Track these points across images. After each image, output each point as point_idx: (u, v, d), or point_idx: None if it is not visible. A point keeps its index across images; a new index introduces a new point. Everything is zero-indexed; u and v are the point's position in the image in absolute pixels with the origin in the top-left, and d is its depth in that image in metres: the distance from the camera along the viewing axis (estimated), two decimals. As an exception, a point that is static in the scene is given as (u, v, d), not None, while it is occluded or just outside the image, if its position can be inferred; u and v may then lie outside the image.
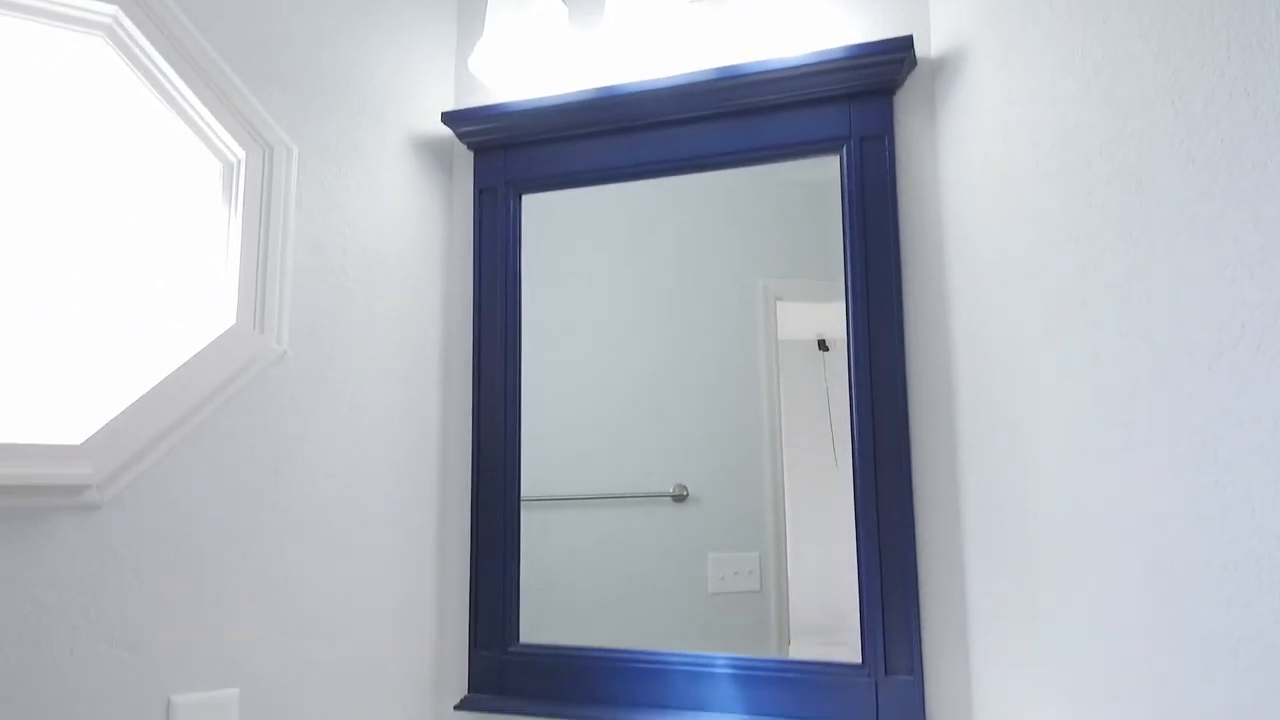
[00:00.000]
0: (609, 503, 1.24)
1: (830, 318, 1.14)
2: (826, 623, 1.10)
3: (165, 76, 1.09)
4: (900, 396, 1.07)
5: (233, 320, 1.12)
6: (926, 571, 1.05)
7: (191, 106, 1.10)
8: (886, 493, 1.06)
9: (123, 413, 1.04)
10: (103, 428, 1.02)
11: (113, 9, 1.04)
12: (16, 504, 0.96)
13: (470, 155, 1.33)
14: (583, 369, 1.26)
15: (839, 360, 1.13)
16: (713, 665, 1.11)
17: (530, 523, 1.24)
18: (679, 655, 1.13)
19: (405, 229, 1.30)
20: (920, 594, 1.04)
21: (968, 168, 1.03)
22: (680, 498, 1.22)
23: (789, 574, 1.14)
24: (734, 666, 1.10)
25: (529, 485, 1.25)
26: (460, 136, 1.29)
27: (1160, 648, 0.73)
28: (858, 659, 1.06)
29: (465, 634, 1.23)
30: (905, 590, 1.04)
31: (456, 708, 1.20)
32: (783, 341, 1.18)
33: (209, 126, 1.12)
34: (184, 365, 1.08)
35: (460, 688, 1.22)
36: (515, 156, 1.28)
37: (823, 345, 1.16)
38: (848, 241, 1.11)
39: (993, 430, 1.01)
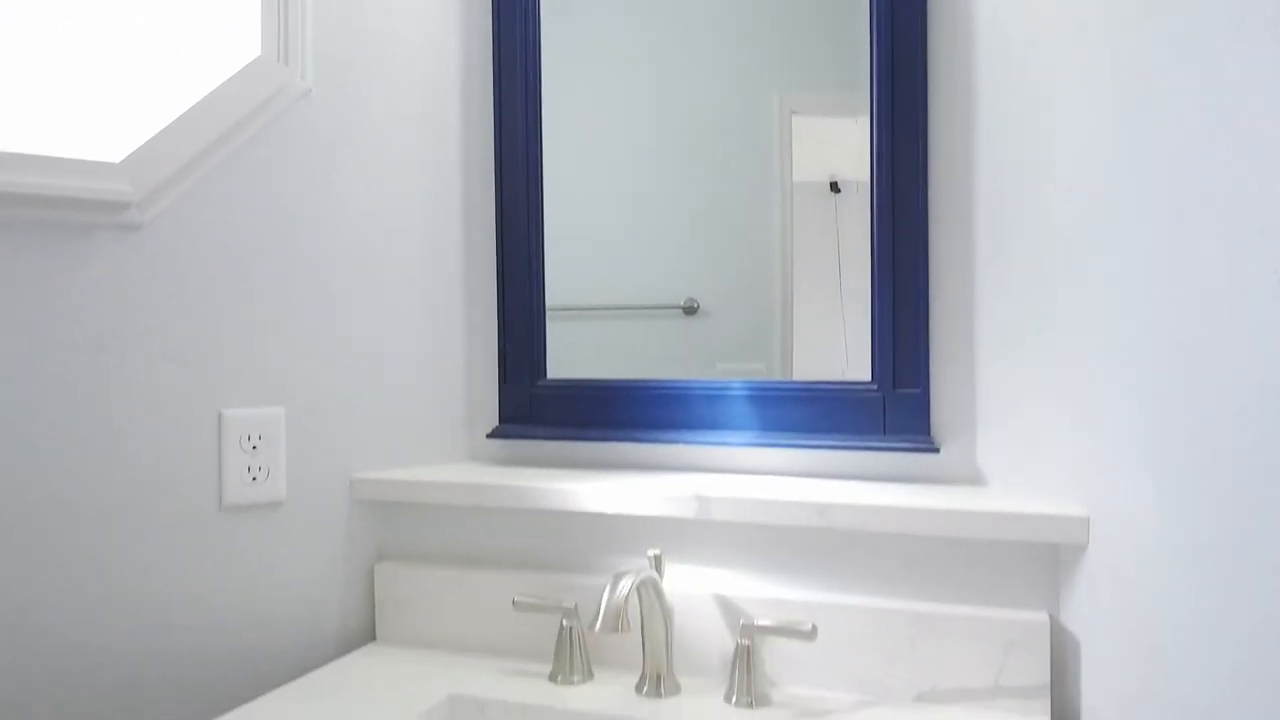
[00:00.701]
0: (620, 314, 1.27)
1: (846, 153, 1.14)
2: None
3: None
4: (920, 96, 1.07)
5: (258, 52, 1.13)
6: (937, 289, 1.08)
7: None
8: (902, 210, 1.08)
9: (158, 134, 1.07)
10: (140, 147, 1.05)
11: None
12: (61, 218, 1.01)
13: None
14: (596, 180, 1.27)
15: (850, 201, 1.14)
16: (729, 389, 1.17)
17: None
18: (697, 382, 1.19)
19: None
20: (930, 313, 1.08)
21: None
22: (691, 310, 1.24)
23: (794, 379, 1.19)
24: (749, 389, 1.16)
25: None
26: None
27: (1169, 340, 0.77)
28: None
29: (494, 371, 1.29)
30: (916, 308, 1.08)
31: (489, 436, 1.27)
32: (796, 184, 1.19)
33: None
34: (213, 93, 1.10)
35: (491, 419, 1.29)
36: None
37: (834, 187, 1.17)
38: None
39: (1008, 140, 1.02)
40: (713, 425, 1.18)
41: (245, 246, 1.12)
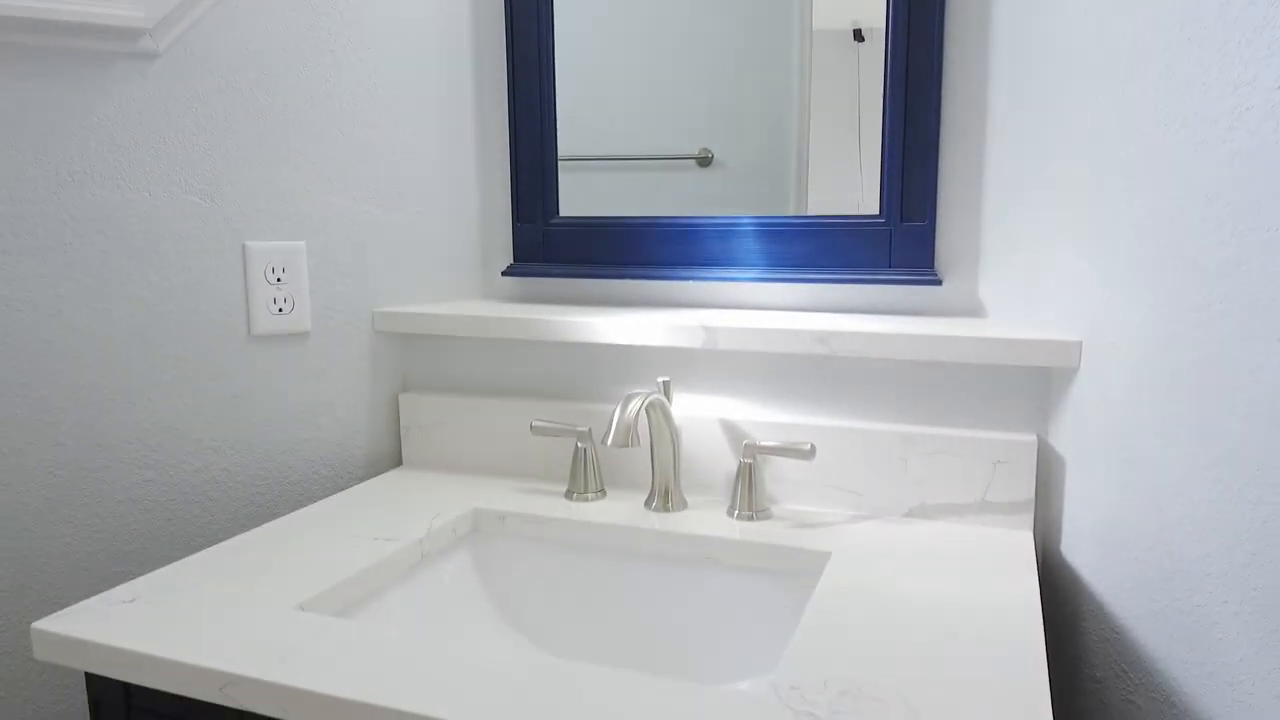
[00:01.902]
0: (633, 165, 1.26)
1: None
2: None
3: None
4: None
5: (259, -128, 1.10)
6: (948, 125, 1.08)
7: None
8: (918, 46, 1.06)
9: (163, -40, 1.05)
10: (146, -26, 1.05)
11: None
12: (77, 44, 1.01)
13: None
14: (611, 26, 1.24)
15: (874, 50, 1.10)
16: (739, 225, 1.19)
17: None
18: (707, 219, 1.20)
19: None
20: (940, 148, 1.08)
21: None
22: (705, 161, 1.23)
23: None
24: (759, 224, 1.18)
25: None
26: None
27: (1173, 158, 0.77)
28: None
29: (508, 211, 1.31)
30: (926, 143, 1.08)
31: (504, 274, 1.31)
32: (817, 31, 1.14)
33: None
34: (216, -83, 1.08)
35: (505, 259, 1.32)
36: None
37: (858, 35, 1.12)
38: None
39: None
40: (722, 262, 1.20)
41: (262, 78, 1.12)
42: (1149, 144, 0.79)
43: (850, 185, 1.15)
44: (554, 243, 1.29)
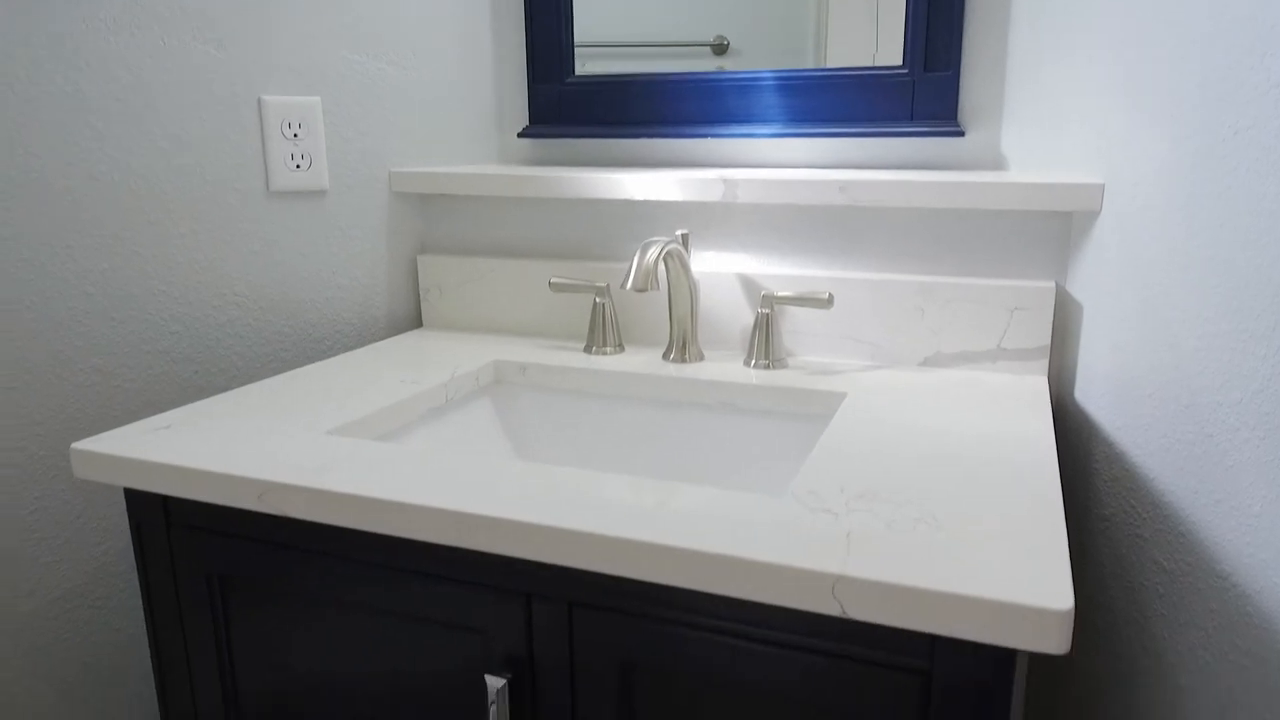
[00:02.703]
0: (647, 52, 1.23)
1: None
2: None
3: None
4: None
5: None
6: (978, -33, 1.05)
7: None
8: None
9: None
10: None
11: None
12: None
13: None
14: None
15: None
16: (759, 79, 1.17)
17: None
18: (728, 74, 1.18)
19: None
20: (968, -6, 1.06)
21: None
22: (720, 49, 1.20)
23: None
24: (779, 78, 1.16)
25: None
26: None
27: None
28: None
29: (523, 73, 1.29)
30: (954, -13, 1.05)
31: (520, 135, 1.29)
32: None
33: None
34: None
35: (522, 120, 1.31)
36: None
37: None
38: None
39: None
40: (741, 118, 1.19)
41: (268, -76, 1.10)
42: (1186, -35, 0.76)
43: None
44: (570, 103, 1.28)
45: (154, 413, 1.11)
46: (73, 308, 1.04)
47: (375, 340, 1.26)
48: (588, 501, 0.66)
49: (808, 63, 1.16)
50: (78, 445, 0.79)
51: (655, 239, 0.96)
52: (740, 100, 1.18)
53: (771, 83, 1.16)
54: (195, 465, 0.73)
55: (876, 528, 0.62)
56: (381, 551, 0.72)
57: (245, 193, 1.14)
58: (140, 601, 1.10)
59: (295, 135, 1.16)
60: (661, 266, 1.08)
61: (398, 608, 0.72)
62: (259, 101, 1.13)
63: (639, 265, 0.93)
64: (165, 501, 0.80)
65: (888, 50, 1.11)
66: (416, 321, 1.31)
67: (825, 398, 0.95)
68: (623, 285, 0.94)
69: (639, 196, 1.10)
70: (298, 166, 1.17)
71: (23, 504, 1.00)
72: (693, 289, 1.06)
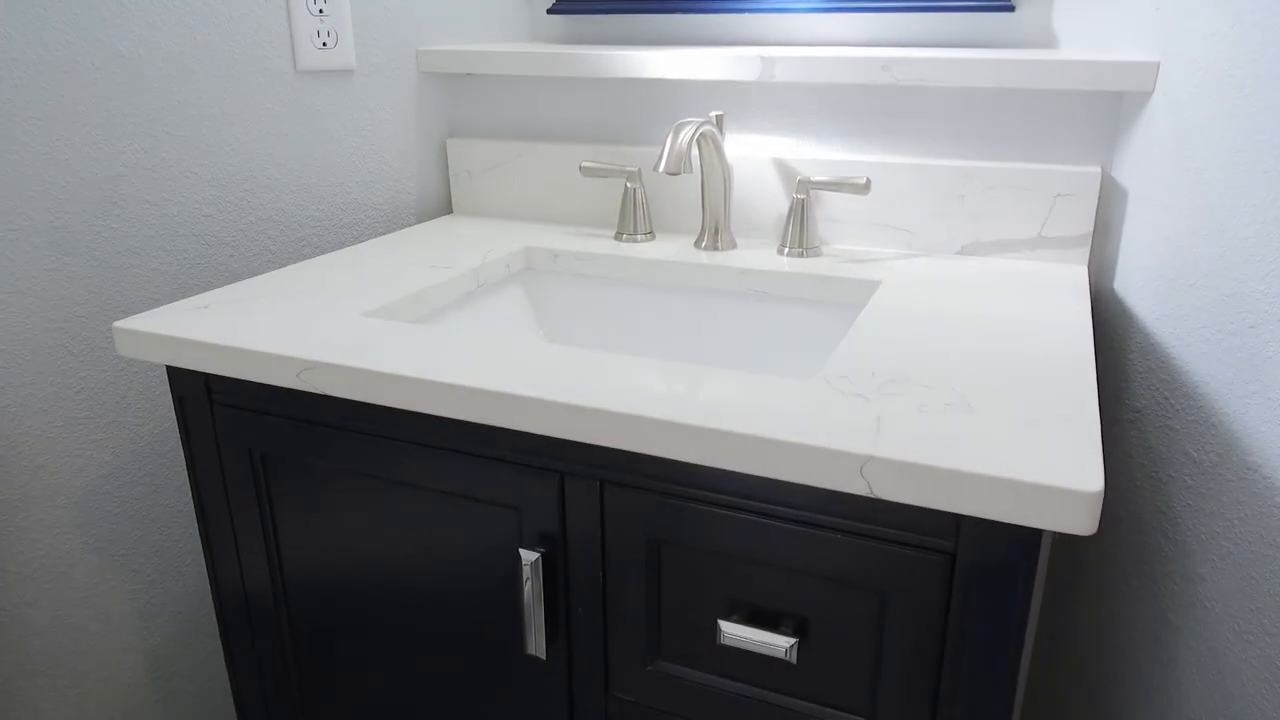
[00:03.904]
0: None
1: None
2: None
3: None
4: None
5: None
6: None
7: None
8: None
9: None
10: None
11: None
12: None
13: None
14: None
15: None
16: (800, -48, 1.11)
17: None
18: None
19: None
20: None
21: None
22: None
23: None
24: (821, -47, 1.10)
25: None
26: None
27: None
28: None
29: (553, -55, 1.24)
30: None
31: (549, 11, 1.25)
32: None
33: None
34: None
35: (551, -3, 1.27)
36: None
37: None
38: None
39: None
40: (782, -7, 1.14)
41: None
42: None
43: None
44: (602, -22, 1.23)
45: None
46: (107, 190, 1.04)
47: (406, 224, 1.26)
48: (620, 383, 0.66)
49: None
50: (120, 324, 0.80)
51: (689, 120, 0.94)
52: (780, -26, 1.13)
53: (816, -42, 1.11)
54: (235, 344, 0.75)
55: (907, 410, 0.62)
56: (418, 429, 0.73)
57: (273, 72, 1.12)
58: (187, 478, 1.14)
59: (321, 10, 1.13)
60: (695, 149, 1.06)
61: (435, 484, 0.75)
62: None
63: (671, 147, 0.91)
64: (207, 379, 0.82)
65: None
66: (447, 206, 1.30)
67: (859, 286, 0.94)
68: (655, 168, 0.92)
69: (672, 75, 1.07)
70: (324, 44, 1.14)
71: (68, 384, 1.03)
72: (726, 173, 1.04)
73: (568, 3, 1.26)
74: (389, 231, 1.25)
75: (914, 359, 0.71)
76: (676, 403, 0.63)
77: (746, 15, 1.16)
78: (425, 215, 1.28)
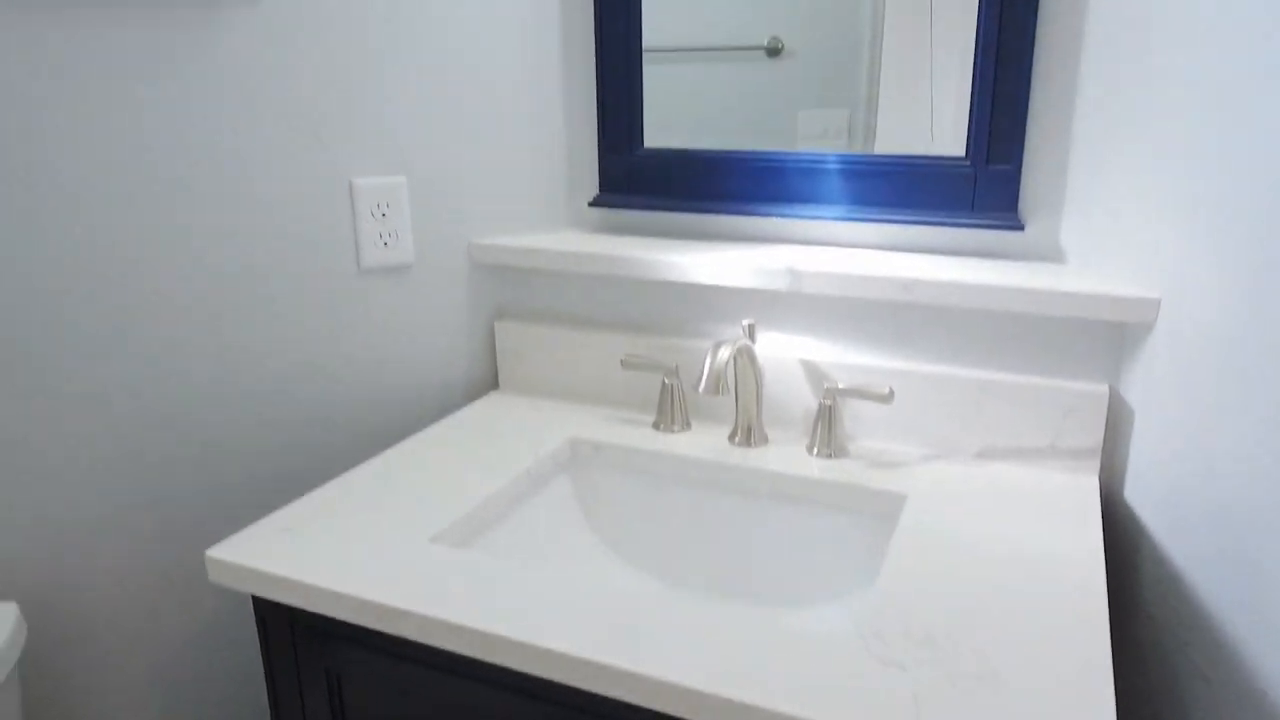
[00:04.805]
0: (699, 56, 1.26)
1: None
2: (936, 122, 1.16)
3: None
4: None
5: None
6: (1040, 71, 1.07)
7: None
8: (1015, -14, 1.05)
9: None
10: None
11: None
12: (191, -3, 1.05)
13: None
14: None
15: None
16: (824, 162, 1.21)
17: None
18: (794, 154, 1.23)
19: None
20: (1030, 93, 1.08)
21: None
22: (774, 51, 1.23)
23: (877, 132, 1.19)
24: (843, 163, 1.20)
25: None
26: None
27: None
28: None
29: (592, 144, 1.34)
30: (1017, 87, 1.08)
31: (590, 204, 1.35)
32: None
33: None
34: None
35: (592, 188, 1.36)
36: None
37: None
38: None
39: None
40: (807, 198, 1.23)
41: (362, 18, 1.16)
42: (1246, 108, 0.79)
43: (921, 91, 1.15)
44: (639, 174, 1.33)
45: (258, 483, 1.20)
46: (185, 383, 1.13)
47: (456, 402, 1.34)
48: (663, 636, 0.73)
49: (862, 66, 1.19)
50: (211, 553, 0.88)
51: (724, 340, 1.02)
52: (806, 182, 1.23)
53: (836, 167, 1.21)
54: (317, 583, 0.82)
55: (939, 682, 0.68)
56: (495, 672, 0.80)
57: (337, 272, 1.22)
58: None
59: (383, 215, 1.23)
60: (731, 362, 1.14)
61: None
62: (350, 185, 1.21)
63: (710, 369, 0.99)
64: (291, 609, 0.89)
65: (942, 89, 1.14)
66: (493, 383, 1.39)
67: (886, 498, 1.01)
68: (695, 388, 1.00)
69: (706, 281, 1.16)
70: (385, 244, 1.24)
71: (159, 563, 1.11)
72: (758, 379, 1.12)
73: (607, 195, 1.36)
74: (440, 407, 1.33)
75: (942, 614, 0.78)
76: (706, 671, 0.69)
77: (777, 219, 1.25)
78: (473, 390, 1.36)
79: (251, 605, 1.14)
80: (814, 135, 1.23)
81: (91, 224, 1.06)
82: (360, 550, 0.88)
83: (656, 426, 1.19)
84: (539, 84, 1.32)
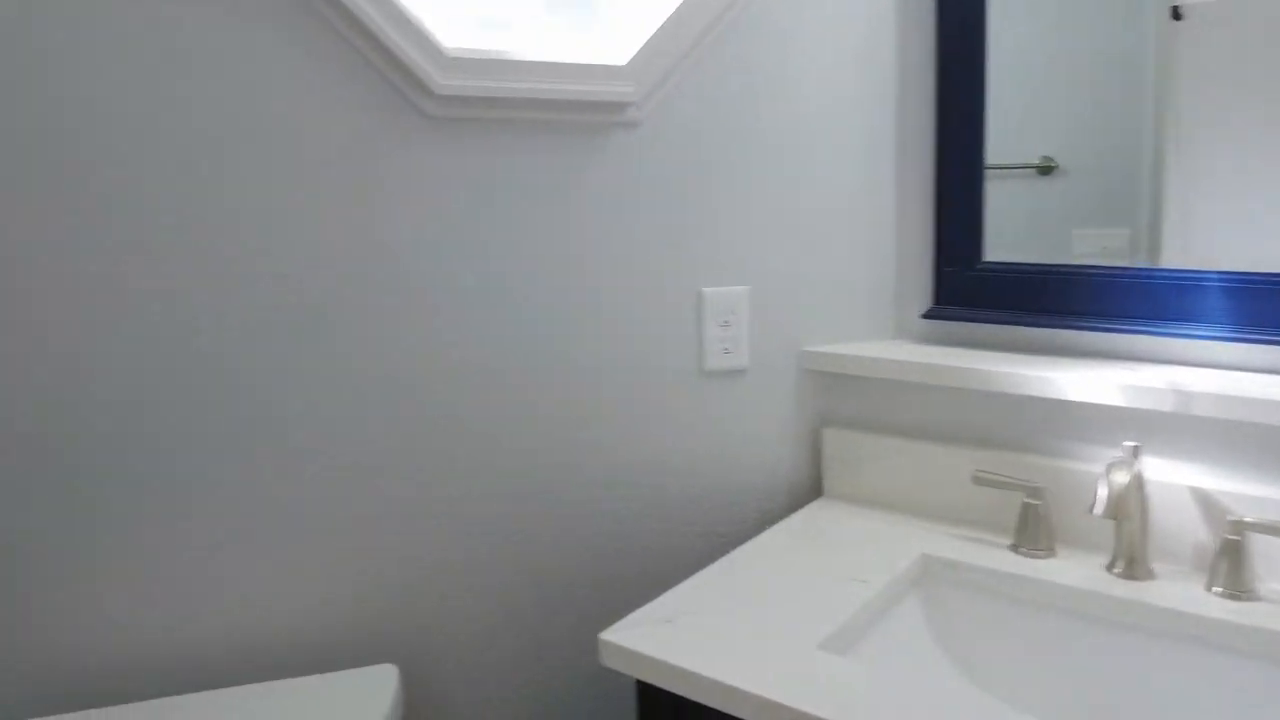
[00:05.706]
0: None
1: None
2: None
3: None
4: None
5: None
6: None
7: None
8: None
9: (655, 35, 1.17)
10: (640, 50, 1.17)
11: None
12: (578, 119, 1.16)
13: None
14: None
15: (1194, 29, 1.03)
16: (1204, 279, 1.13)
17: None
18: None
19: None
20: None
21: None
22: (1046, 169, 1.19)
23: (1162, 251, 1.14)
24: (1224, 280, 1.11)
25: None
26: None
27: None
28: None
29: (927, 254, 1.33)
30: None
31: (924, 316, 1.33)
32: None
33: None
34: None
35: (921, 300, 1.35)
36: None
37: (1176, 14, 1.03)
38: None
39: None
40: (1178, 316, 1.15)
41: (714, 136, 1.23)
42: None
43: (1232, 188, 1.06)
44: (978, 288, 1.30)
45: (602, 574, 1.24)
46: (546, 474, 1.19)
47: (776, 503, 1.33)
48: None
49: (1143, 186, 1.13)
50: (604, 636, 0.89)
51: (1118, 461, 0.95)
52: (1178, 299, 1.15)
53: (1218, 285, 1.12)
54: (716, 677, 0.81)
55: None
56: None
57: (682, 375, 1.26)
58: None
59: (726, 323, 1.27)
60: (1111, 479, 1.06)
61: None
62: (699, 294, 1.25)
63: (1109, 493, 0.92)
64: (676, 696, 0.88)
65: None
66: (814, 489, 1.36)
67: (1324, 651, 0.88)
68: (1090, 510, 0.93)
69: (1072, 397, 1.09)
70: (726, 350, 1.27)
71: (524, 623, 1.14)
72: (1144, 503, 1.02)
73: (942, 308, 1.33)
74: (762, 510, 1.32)
75: None
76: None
77: (1143, 336, 1.17)
78: (795, 495, 1.35)
79: (600, 684, 1.14)
80: (1091, 253, 1.20)
81: (485, 332, 1.16)
82: (749, 649, 0.86)
83: (1015, 549, 1.12)
84: (873, 199, 1.34)
